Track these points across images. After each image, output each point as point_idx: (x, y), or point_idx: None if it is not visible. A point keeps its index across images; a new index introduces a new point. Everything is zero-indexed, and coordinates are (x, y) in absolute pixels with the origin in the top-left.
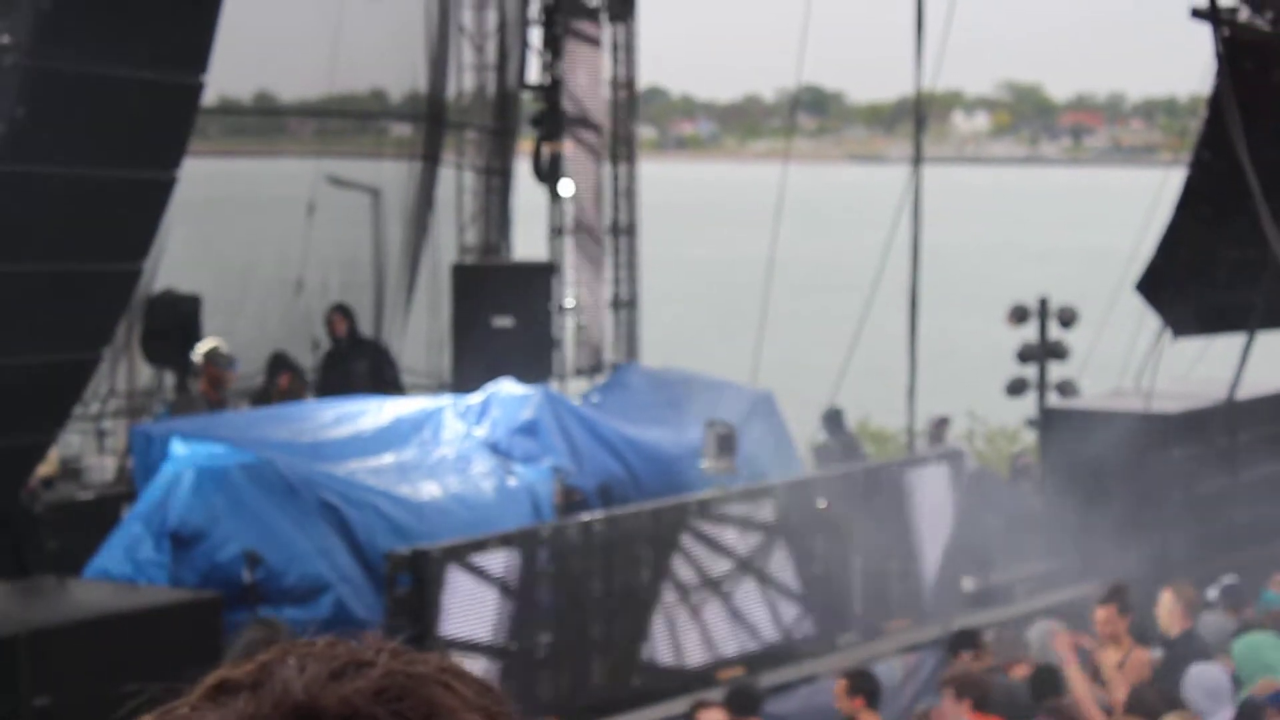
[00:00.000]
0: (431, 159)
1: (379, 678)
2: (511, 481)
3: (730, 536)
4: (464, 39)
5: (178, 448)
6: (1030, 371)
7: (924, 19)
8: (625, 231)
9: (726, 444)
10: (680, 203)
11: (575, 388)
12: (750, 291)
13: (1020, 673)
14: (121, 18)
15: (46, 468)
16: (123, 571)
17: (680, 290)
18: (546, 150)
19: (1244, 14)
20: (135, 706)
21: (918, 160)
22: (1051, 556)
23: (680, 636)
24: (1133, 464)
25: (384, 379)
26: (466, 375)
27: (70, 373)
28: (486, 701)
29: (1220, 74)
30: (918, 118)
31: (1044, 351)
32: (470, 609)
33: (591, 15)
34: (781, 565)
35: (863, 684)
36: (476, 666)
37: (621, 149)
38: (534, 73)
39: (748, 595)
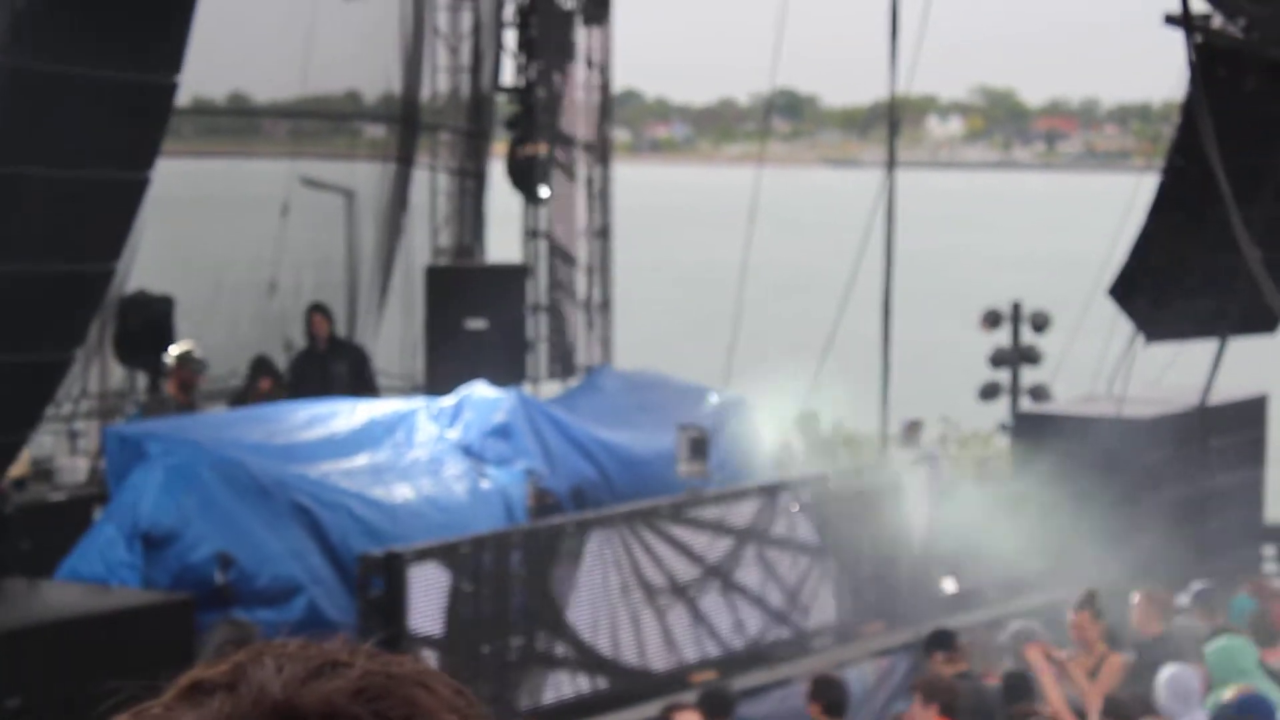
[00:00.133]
0: (405, 161)
1: (358, 678)
2: (484, 484)
3: (703, 540)
4: (438, 41)
5: (150, 449)
6: (1003, 376)
7: (898, 23)
8: (599, 234)
9: (699, 447)
10: (654, 206)
11: (548, 390)
12: (724, 295)
13: (993, 678)
14: (96, 18)
15: (18, 468)
16: (94, 573)
17: (654, 293)
18: (529, 149)
19: (1217, 20)
20: (108, 707)
21: (891, 164)
22: (1024, 561)
23: (653, 640)
24: (1105, 469)
25: (364, 381)
26: (440, 377)
27: (43, 373)
28: (461, 704)
29: (1193, 81)
30: (892, 122)
31: (1017, 356)
32: (441, 610)
33: (566, 17)
34: (754, 568)
35: (822, 691)
36: (446, 668)
37: (595, 152)
38: (508, 75)
39: (721, 598)
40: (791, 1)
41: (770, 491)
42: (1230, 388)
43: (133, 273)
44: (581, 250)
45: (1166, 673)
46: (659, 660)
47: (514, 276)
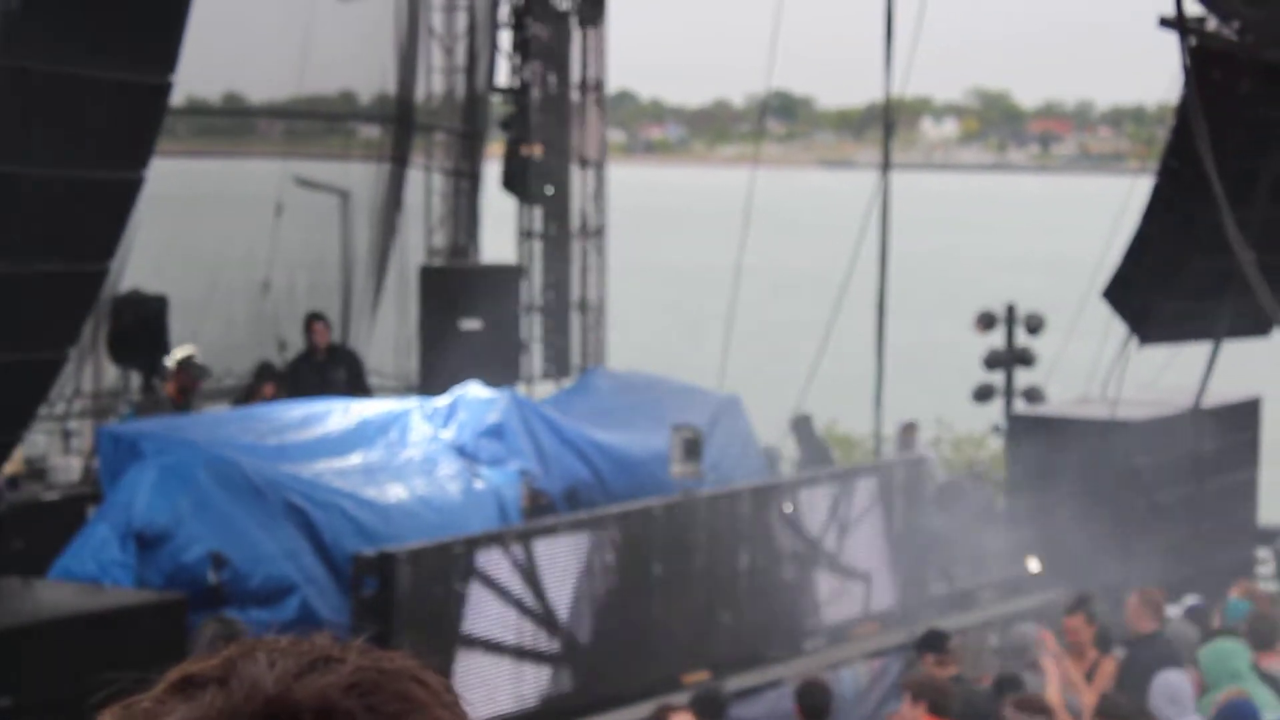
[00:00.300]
0: (400, 161)
1: (350, 673)
2: (478, 484)
3: (696, 540)
4: (433, 41)
5: (144, 448)
6: (997, 378)
7: (893, 25)
8: (593, 235)
9: (693, 448)
10: (649, 207)
11: (542, 391)
12: (718, 296)
13: (986, 680)
14: (90, 18)
15: (11, 467)
16: (87, 572)
17: (648, 294)
18: (526, 150)
19: (1212, 23)
20: (97, 701)
21: (886, 166)
22: (1017, 562)
23: (646, 640)
24: (1099, 471)
25: (358, 386)
26: (434, 378)
27: (36, 373)
28: (452, 699)
29: (1187, 83)
30: (886, 124)
31: (1011, 358)
32: (433, 613)
33: (561, 19)
34: (747, 569)
35: (802, 697)
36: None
37: (590, 153)
38: (503, 76)
39: (713, 599)
40: (786, 3)
41: (764, 492)
42: (1224, 390)
43: (127, 272)
44: (576, 251)
45: (1158, 678)
46: (651, 661)
47: (508, 277)
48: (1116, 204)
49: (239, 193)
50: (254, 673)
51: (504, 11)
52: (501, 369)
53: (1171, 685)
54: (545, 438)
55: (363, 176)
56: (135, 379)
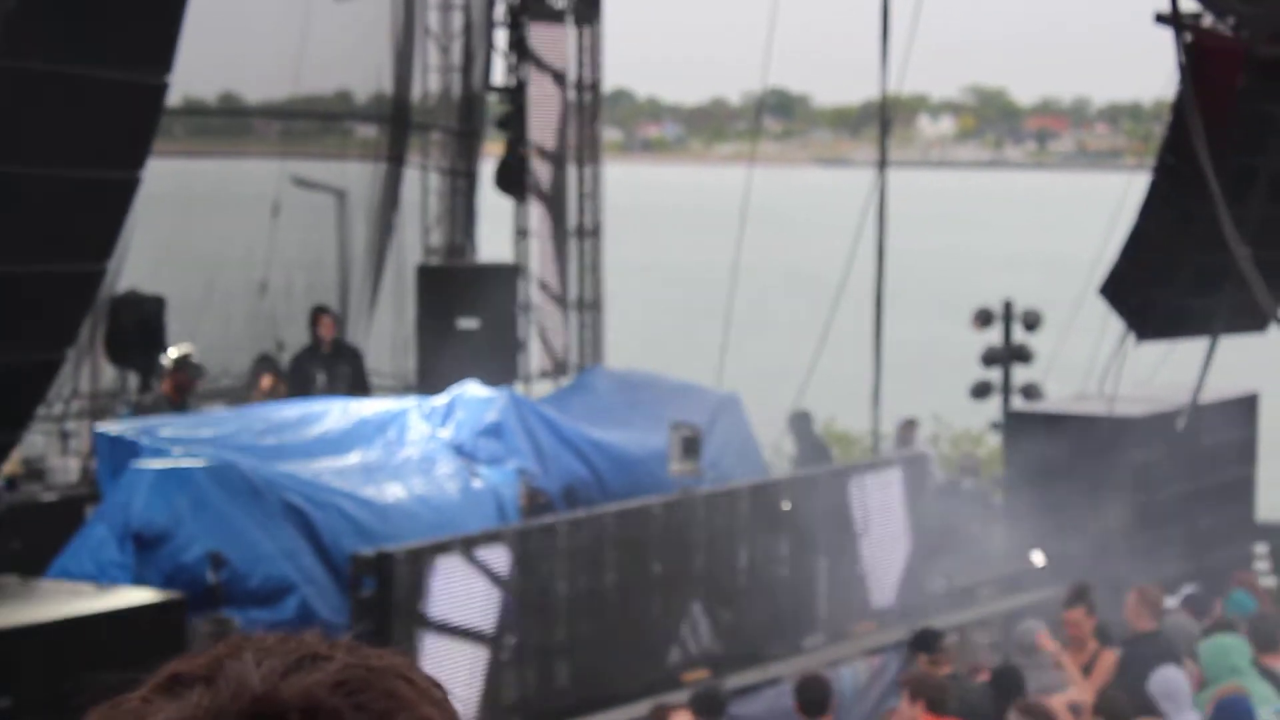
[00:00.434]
0: (396, 160)
1: (337, 670)
2: (476, 483)
3: (695, 539)
4: (429, 41)
5: (142, 449)
6: (995, 375)
7: (890, 23)
8: (589, 234)
9: (691, 446)
10: (646, 205)
11: (540, 390)
12: (715, 294)
13: (984, 676)
14: (86, 18)
15: (9, 467)
16: (86, 572)
17: (646, 293)
18: (523, 152)
19: (1207, 19)
20: (84, 699)
21: (883, 164)
22: (1016, 559)
23: (645, 639)
24: (1096, 467)
25: (360, 383)
26: (431, 377)
27: (34, 373)
28: (440, 696)
29: (1183, 80)
30: (883, 121)
31: (1008, 355)
32: (436, 613)
33: (557, 17)
34: (746, 567)
35: (800, 691)
36: (448, 667)
37: (586, 151)
38: (499, 75)
39: (713, 597)
40: (783, 1)
41: (763, 490)
42: (1221, 386)
43: (124, 272)
44: (573, 250)
45: (1155, 675)
46: (651, 659)
47: (505, 276)
48: (1113, 200)
49: (236, 193)
50: (241, 671)
51: (500, 10)
52: (499, 368)
53: (1168, 682)
54: (543, 436)
55: (359, 176)
56: (133, 379)
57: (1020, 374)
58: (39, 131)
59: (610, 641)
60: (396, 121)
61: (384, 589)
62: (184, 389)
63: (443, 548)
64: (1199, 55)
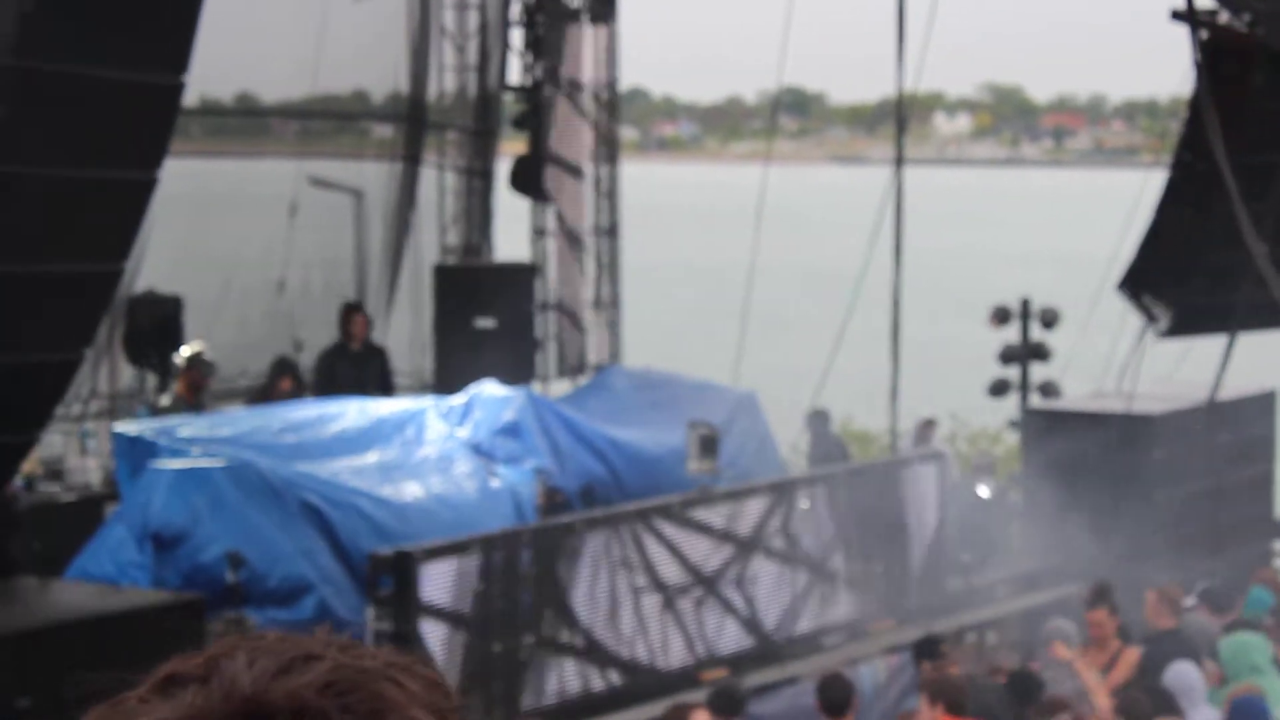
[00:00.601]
0: (413, 160)
1: (327, 672)
2: (494, 482)
3: (714, 537)
4: (445, 40)
5: (160, 449)
6: (1012, 373)
7: (905, 20)
8: (607, 233)
9: (709, 445)
10: (662, 204)
11: (557, 389)
12: (732, 293)
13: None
14: (103, 18)
15: (27, 467)
16: (105, 573)
17: (662, 292)
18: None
19: (1223, 16)
20: (79, 698)
21: (899, 161)
22: (1034, 557)
23: (664, 637)
24: (1114, 465)
25: (388, 387)
26: (449, 376)
27: (52, 373)
28: (436, 698)
29: (1199, 77)
30: (899, 119)
31: (1026, 353)
32: (453, 609)
33: (573, 16)
34: (764, 566)
35: (822, 691)
36: (456, 667)
37: (603, 150)
38: (515, 74)
39: (731, 596)
40: None
41: (781, 489)
42: (1239, 383)
43: (141, 272)
44: (590, 249)
45: (1170, 670)
46: (669, 658)
47: (522, 275)
48: (1130, 198)
49: (253, 193)
50: (233, 672)
51: (515, 10)
52: (516, 367)
53: (1182, 677)
54: (561, 435)
55: (376, 175)
56: (151, 379)
57: (1038, 372)
58: (56, 132)
59: (629, 640)
60: (413, 121)
61: (402, 588)
62: (197, 387)
63: (461, 547)
64: (1215, 52)
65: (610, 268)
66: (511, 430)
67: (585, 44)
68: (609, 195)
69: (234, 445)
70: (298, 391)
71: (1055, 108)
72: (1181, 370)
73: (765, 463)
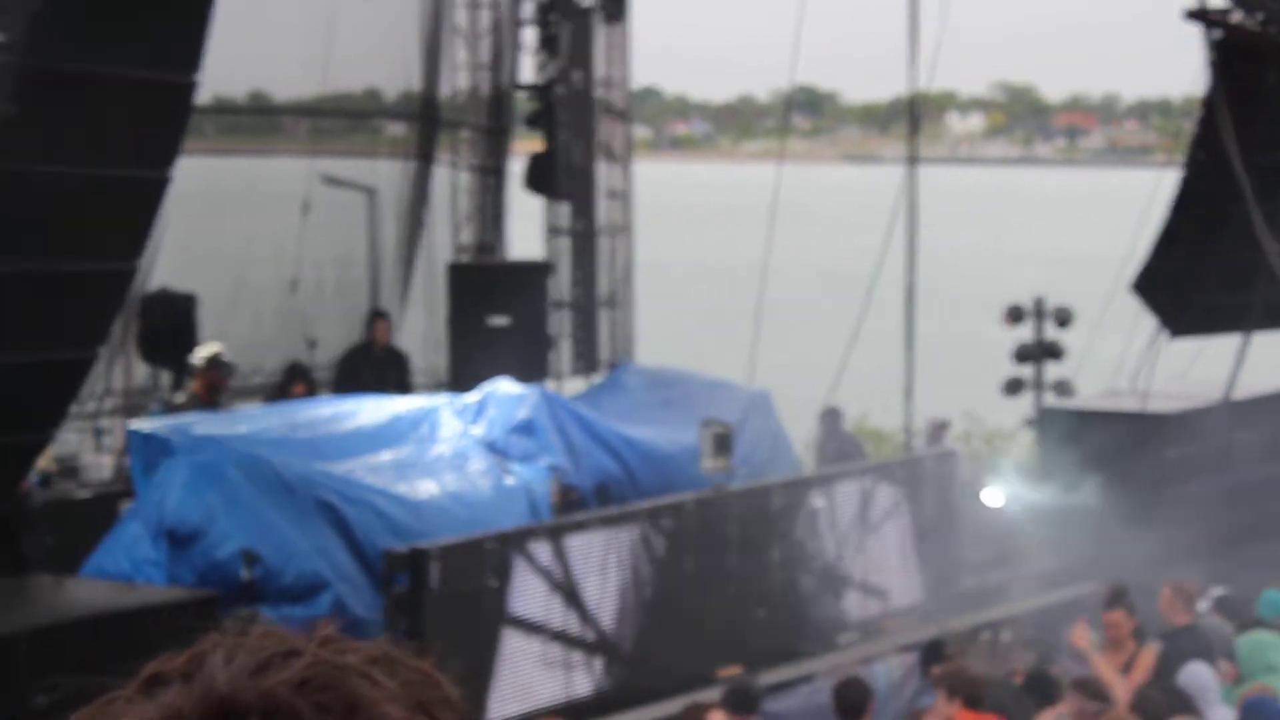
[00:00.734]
0: (426, 158)
1: (303, 669)
2: (509, 480)
3: (727, 535)
4: (458, 38)
5: (175, 446)
6: (1027, 371)
7: (918, 20)
8: (620, 231)
9: (723, 443)
10: (675, 203)
11: (572, 387)
12: (745, 291)
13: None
14: (115, 16)
15: (42, 464)
16: (120, 570)
17: (676, 290)
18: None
19: (1236, 16)
20: (57, 700)
21: (912, 161)
22: (1048, 557)
23: (679, 635)
24: (1129, 464)
25: (408, 390)
26: (463, 374)
27: (66, 371)
28: (421, 691)
29: (1212, 76)
30: (912, 118)
31: (1040, 351)
32: (469, 606)
33: (585, 15)
34: (779, 564)
35: (842, 695)
36: (461, 664)
37: (615, 149)
38: (528, 72)
39: (746, 593)
40: None
41: (795, 487)
42: (1254, 382)
43: (155, 271)
44: (603, 247)
45: (1184, 670)
46: (685, 655)
47: (536, 273)
48: (1144, 197)
49: (266, 191)
50: (211, 670)
51: (528, 8)
52: (530, 365)
53: (1195, 677)
54: (575, 433)
55: (389, 174)
56: (165, 377)
57: (1052, 370)
58: (69, 131)
59: (643, 638)
60: (426, 119)
61: (417, 585)
62: (215, 388)
63: (475, 544)
64: (1228, 51)
65: (623, 266)
66: (526, 428)
67: (598, 42)
68: (621, 194)
69: (249, 443)
70: (311, 396)
71: (1068, 107)
72: (1196, 369)
73: (779, 461)
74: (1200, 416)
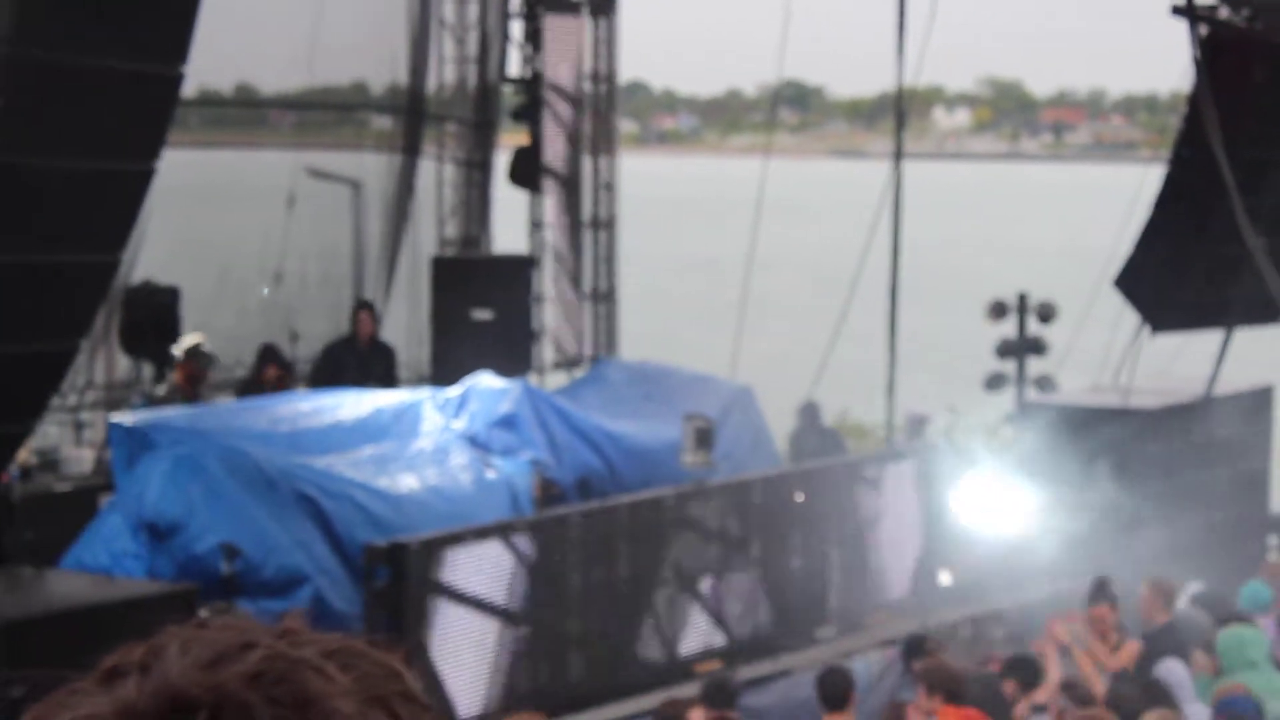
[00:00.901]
0: (412, 151)
1: (257, 662)
2: (490, 474)
3: (708, 530)
4: (445, 31)
5: (156, 439)
6: (1009, 367)
7: (906, 14)
8: (604, 225)
9: (705, 438)
10: (661, 197)
11: (554, 381)
12: (730, 286)
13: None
14: (101, 8)
15: (23, 457)
16: (99, 562)
17: (660, 284)
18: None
19: (1223, 11)
20: (23, 695)
21: (899, 156)
22: (1029, 552)
23: (658, 630)
24: (1111, 460)
25: (393, 383)
26: (446, 367)
27: (48, 364)
28: (378, 686)
29: (1198, 72)
30: (899, 113)
31: (1023, 347)
32: (450, 604)
33: (572, 9)
34: (759, 559)
35: (825, 685)
36: (462, 660)
37: (601, 143)
38: (515, 66)
39: (725, 589)
40: None
41: (776, 482)
42: (1236, 379)
43: (139, 263)
44: (588, 241)
45: (1159, 667)
46: (663, 651)
47: (520, 267)
48: (1129, 192)
49: (251, 184)
50: (166, 663)
51: (515, 1)
52: (513, 359)
53: (1171, 674)
54: (557, 428)
55: (374, 167)
56: (147, 370)
57: (1034, 366)
58: (54, 123)
59: (623, 632)
60: (412, 113)
61: (397, 579)
62: (196, 379)
63: (456, 538)
64: (1214, 47)
65: (608, 260)
66: (508, 422)
67: (585, 36)
68: (606, 188)
69: (229, 436)
70: (284, 379)
71: (1055, 102)
72: (1178, 364)
73: (760, 456)
74: (1182, 412)
